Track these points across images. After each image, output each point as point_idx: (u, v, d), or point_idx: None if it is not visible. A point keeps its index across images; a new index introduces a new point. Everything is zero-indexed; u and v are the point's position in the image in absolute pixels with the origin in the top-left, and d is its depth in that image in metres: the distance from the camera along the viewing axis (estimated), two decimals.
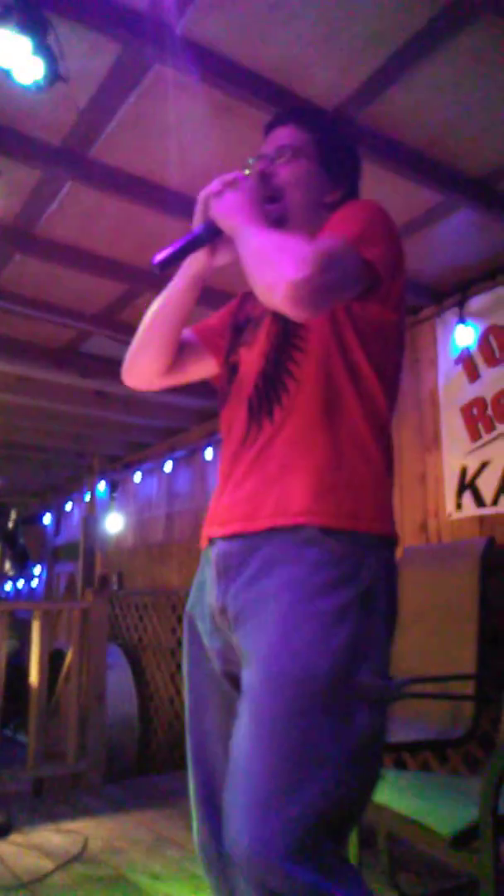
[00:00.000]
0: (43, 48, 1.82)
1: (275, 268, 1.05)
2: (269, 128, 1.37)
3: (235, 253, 1.20)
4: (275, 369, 1.21)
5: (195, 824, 1.23)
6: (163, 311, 1.35)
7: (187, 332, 1.44)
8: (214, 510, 1.26)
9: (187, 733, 1.27)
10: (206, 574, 1.25)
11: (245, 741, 1.03)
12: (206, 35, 1.93)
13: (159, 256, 1.24)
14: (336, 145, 1.35)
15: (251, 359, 1.27)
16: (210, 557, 1.23)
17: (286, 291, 1.03)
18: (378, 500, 1.16)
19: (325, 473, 1.13)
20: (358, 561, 1.09)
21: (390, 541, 1.17)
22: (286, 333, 1.22)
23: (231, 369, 1.32)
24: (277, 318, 1.23)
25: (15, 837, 3.03)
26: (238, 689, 1.13)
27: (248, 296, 1.39)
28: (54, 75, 1.87)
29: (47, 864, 2.71)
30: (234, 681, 1.16)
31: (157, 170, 2.47)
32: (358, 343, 1.18)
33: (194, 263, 1.32)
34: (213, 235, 1.25)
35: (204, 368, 1.45)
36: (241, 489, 1.19)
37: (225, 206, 1.20)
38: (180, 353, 1.41)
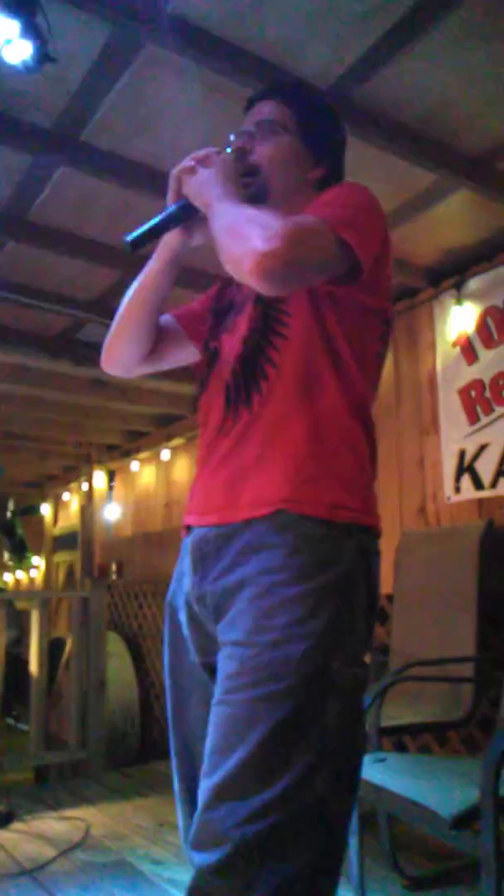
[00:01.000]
0: (32, 29, 1.79)
1: (243, 240, 1.02)
2: (250, 103, 1.33)
3: (209, 232, 1.16)
4: (254, 355, 1.18)
5: (180, 821, 1.20)
6: (139, 293, 1.31)
7: (167, 318, 1.40)
8: (191, 499, 1.23)
9: (170, 729, 1.23)
10: (185, 563, 1.21)
11: (218, 729, 1.00)
12: (197, 13, 1.90)
13: (131, 235, 1.20)
14: (319, 120, 1.31)
15: (231, 345, 1.23)
16: (187, 546, 1.21)
17: (253, 263, 0.99)
18: (360, 489, 1.13)
19: (304, 463, 1.10)
20: (338, 546, 1.06)
21: (372, 531, 1.13)
22: (267, 318, 1.18)
23: (211, 355, 1.28)
24: (259, 303, 1.20)
25: (17, 825, 3.04)
26: (212, 678, 1.10)
27: (230, 281, 1.34)
28: (44, 57, 1.84)
29: (49, 851, 2.72)
30: (213, 671, 1.12)
31: (150, 152, 2.44)
32: (340, 331, 1.15)
33: (170, 243, 1.28)
34: (186, 214, 1.21)
35: (184, 354, 1.41)
36: (217, 478, 1.16)
37: (198, 182, 1.16)
38: (160, 338, 1.37)
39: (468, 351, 3.20)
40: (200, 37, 1.94)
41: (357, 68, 2.08)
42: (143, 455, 6.10)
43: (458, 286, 3.25)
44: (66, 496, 7.74)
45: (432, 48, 2.01)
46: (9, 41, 1.78)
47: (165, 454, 5.72)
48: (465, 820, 1.62)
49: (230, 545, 1.11)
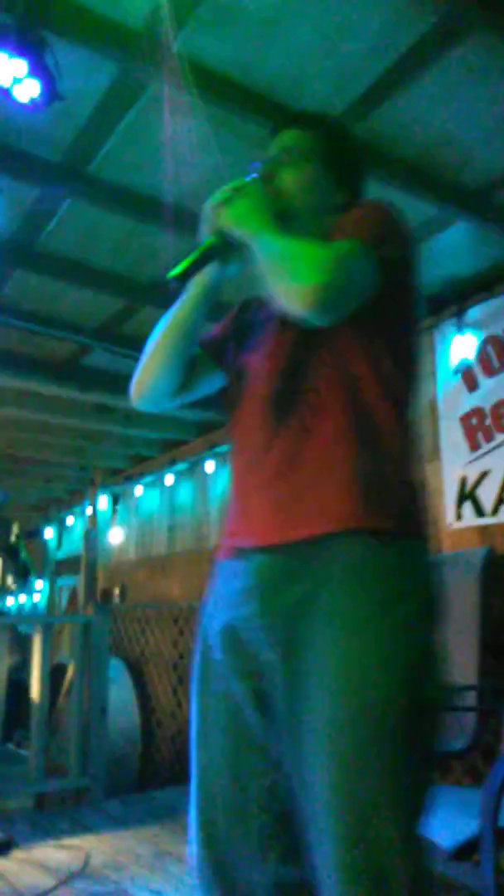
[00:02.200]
0: (40, 68, 1.85)
1: (294, 274, 1.05)
2: (275, 132, 1.35)
3: (246, 262, 1.17)
4: (298, 373, 1.16)
5: (195, 848, 1.17)
6: (174, 324, 1.29)
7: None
8: (241, 519, 1.18)
9: (194, 753, 1.20)
10: (233, 587, 1.15)
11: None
12: (202, 52, 1.95)
13: (174, 270, 1.21)
14: (341, 146, 1.33)
15: (261, 363, 1.22)
16: (240, 569, 1.15)
17: (306, 298, 1.02)
18: (419, 500, 1.13)
19: (366, 476, 1.08)
20: (413, 570, 1.06)
21: (429, 541, 1.13)
22: (305, 337, 1.17)
23: (237, 375, 1.28)
24: (289, 321, 1.17)
25: (16, 853, 3.02)
26: (256, 704, 1.09)
27: (248, 303, 1.36)
28: (52, 94, 1.90)
29: (49, 881, 2.69)
30: (260, 697, 1.10)
31: (155, 185, 2.49)
32: (382, 340, 1.15)
33: (205, 275, 1.27)
34: (225, 246, 1.22)
35: (213, 381, 1.39)
36: (269, 496, 1.12)
37: (236, 213, 1.17)
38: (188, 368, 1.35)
39: (469, 379, 3.22)
40: (205, 74, 2.00)
41: (358, 104, 2.13)
42: (147, 479, 6.12)
43: (459, 315, 3.29)
44: (69, 520, 7.75)
45: (432, 85, 2.07)
46: (18, 80, 1.84)
47: (169, 478, 5.74)
48: (466, 851, 1.61)
49: (303, 572, 1.07)
